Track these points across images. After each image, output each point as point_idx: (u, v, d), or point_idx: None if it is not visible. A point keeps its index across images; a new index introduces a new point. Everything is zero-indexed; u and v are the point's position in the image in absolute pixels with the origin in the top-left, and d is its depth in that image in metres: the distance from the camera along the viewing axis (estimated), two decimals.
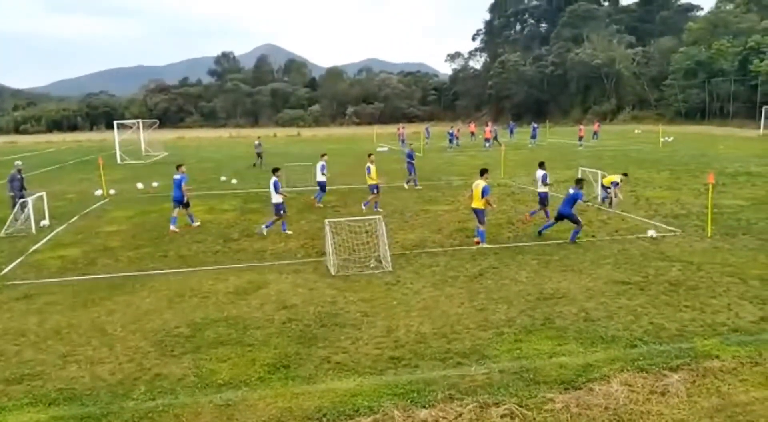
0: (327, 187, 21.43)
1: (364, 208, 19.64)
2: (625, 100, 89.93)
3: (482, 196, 14.28)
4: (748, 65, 69.52)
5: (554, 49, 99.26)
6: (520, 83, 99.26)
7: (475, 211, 14.62)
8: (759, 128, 56.54)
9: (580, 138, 46.56)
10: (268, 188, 16.68)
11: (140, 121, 49.76)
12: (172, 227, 17.21)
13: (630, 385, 7.38)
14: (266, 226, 16.55)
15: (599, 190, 20.35)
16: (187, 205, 17.73)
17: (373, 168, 19.75)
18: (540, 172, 16.98)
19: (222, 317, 10.20)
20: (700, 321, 9.42)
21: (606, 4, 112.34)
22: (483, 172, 14.83)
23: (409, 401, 7.17)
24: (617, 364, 7.97)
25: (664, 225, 16.40)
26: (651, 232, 14.88)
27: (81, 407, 7.28)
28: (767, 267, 12.22)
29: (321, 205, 20.80)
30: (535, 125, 52.71)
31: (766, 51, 67.44)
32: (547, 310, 10.09)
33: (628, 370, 7.78)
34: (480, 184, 14.41)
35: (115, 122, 47.42)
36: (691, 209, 18.62)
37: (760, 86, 68.08)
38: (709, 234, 15.06)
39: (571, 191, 14.93)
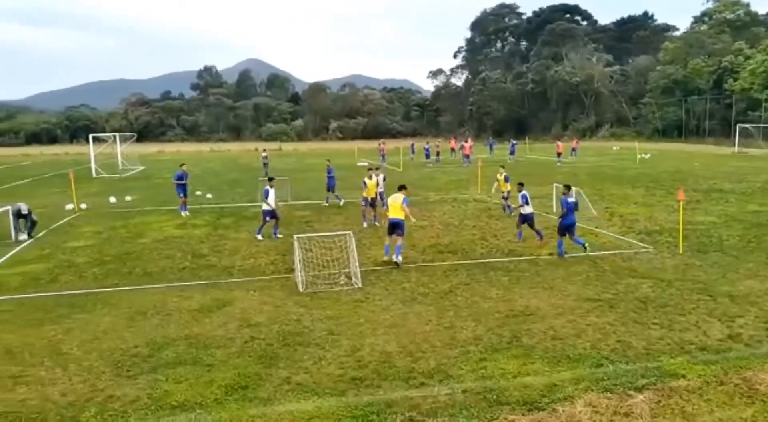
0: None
1: (365, 224, 19.47)
2: (604, 117, 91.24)
3: (403, 204, 14.18)
4: (722, 84, 71.02)
5: (534, 67, 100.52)
6: (500, 100, 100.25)
7: (397, 224, 14.15)
8: (734, 146, 57.51)
9: (558, 154, 46.91)
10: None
11: (117, 134, 49.18)
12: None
13: (594, 406, 7.24)
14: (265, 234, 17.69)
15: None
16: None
17: (369, 182, 19.49)
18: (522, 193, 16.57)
19: (183, 336, 9.91)
20: (668, 340, 9.34)
21: (584, 23, 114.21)
22: (401, 187, 14.75)
23: None
24: (582, 384, 7.83)
25: (636, 242, 16.43)
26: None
27: None
28: (736, 284, 12.24)
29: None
30: (514, 141, 53.10)
31: (739, 71, 68.92)
32: (516, 328, 9.96)
33: (593, 390, 7.65)
34: (398, 196, 14.30)
35: (90, 135, 46.78)
36: (664, 225, 18.70)
37: (734, 105, 69.50)
38: (681, 251, 15.09)
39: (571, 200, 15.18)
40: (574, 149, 52.26)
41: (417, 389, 7.82)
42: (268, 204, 17.51)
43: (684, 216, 16.51)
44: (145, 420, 7.17)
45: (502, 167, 22.32)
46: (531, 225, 16.48)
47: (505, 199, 21.36)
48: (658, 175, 35.06)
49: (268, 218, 17.71)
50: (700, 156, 52.01)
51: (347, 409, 7.30)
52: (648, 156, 50.06)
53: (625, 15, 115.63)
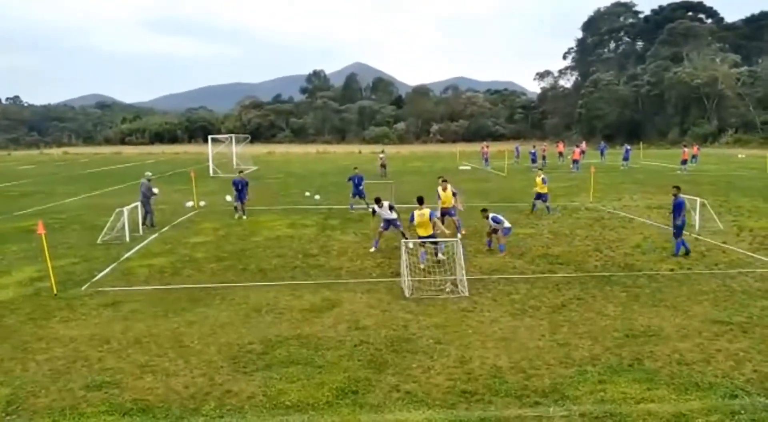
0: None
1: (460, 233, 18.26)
2: (728, 122, 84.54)
3: (431, 218, 14.42)
4: None
5: (650, 68, 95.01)
6: (612, 103, 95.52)
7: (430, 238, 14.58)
8: None
9: (684, 161, 43.69)
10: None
11: (233, 135, 51.85)
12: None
13: None
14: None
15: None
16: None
17: (443, 193, 18.00)
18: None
19: (295, 335, 10.16)
20: None
21: (709, 21, 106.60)
22: (420, 200, 14.78)
23: None
24: (714, 416, 7.20)
25: None
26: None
27: (153, 419, 7.38)
28: None
29: None
30: (628, 147, 50.39)
31: None
32: (636, 349, 9.35)
33: None
34: (425, 211, 14.42)
35: (209, 136, 49.65)
36: None
37: None
38: None
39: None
40: (694, 156, 48.75)
41: (531, 408, 7.52)
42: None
43: None
44: (261, 418, 7.38)
45: (540, 169, 25.96)
46: (499, 237, 16.27)
47: (542, 200, 22.97)
48: None
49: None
50: None
51: None
52: None
53: (756, 11, 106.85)
